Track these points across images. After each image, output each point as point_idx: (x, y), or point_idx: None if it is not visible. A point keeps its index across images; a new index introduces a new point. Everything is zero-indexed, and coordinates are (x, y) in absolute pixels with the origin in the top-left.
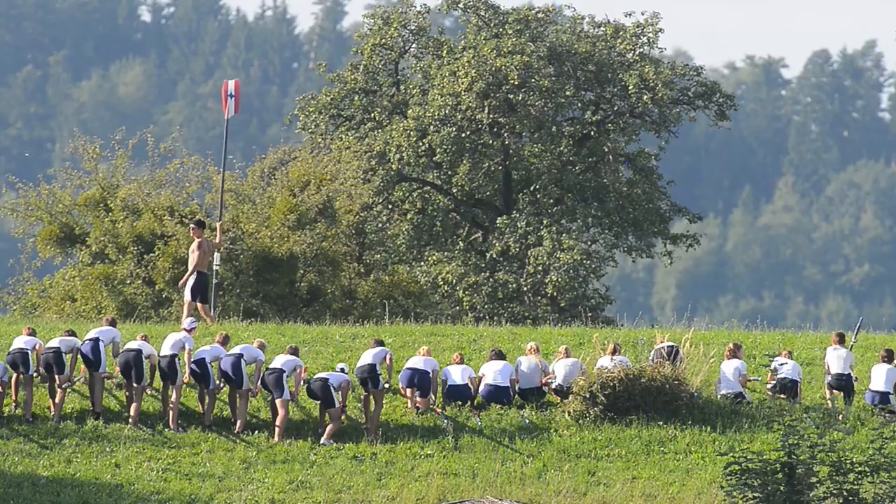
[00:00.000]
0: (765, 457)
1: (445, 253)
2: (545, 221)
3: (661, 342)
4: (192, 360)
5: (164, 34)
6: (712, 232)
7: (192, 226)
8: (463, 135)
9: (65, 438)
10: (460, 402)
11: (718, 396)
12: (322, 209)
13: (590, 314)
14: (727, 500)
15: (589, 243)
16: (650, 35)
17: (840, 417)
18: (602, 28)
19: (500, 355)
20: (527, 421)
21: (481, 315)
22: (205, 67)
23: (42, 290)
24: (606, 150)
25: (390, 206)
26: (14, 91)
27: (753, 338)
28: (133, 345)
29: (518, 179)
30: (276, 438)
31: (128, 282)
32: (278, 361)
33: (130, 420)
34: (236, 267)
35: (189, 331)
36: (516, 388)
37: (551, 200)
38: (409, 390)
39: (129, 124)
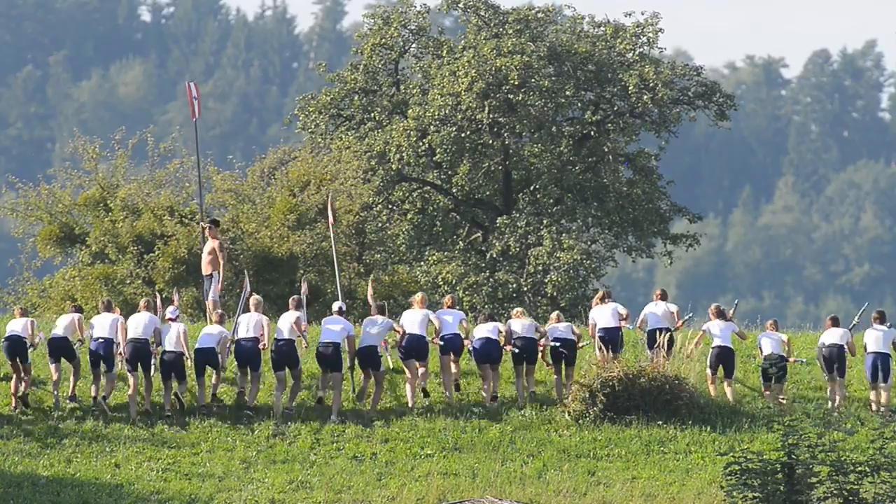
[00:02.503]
0: (765, 457)
1: (445, 253)
2: (545, 221)
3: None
4: (199, 346)
5: (164, 34)
6: (712, 232)
7: (208, 226)
8: (463, 135)
9: (65, 438)
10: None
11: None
12: (322, 209)
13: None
14: (727, 500)
15: (589, 243)
16: (650, 35)
17: (837, 403)
18: (602, 28)
19: (491, 318)
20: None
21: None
22: (205, 67)
23: (42, 290)
24: (606, 150)
25: (390, 206)
26: (14, 91)
27: (753, 338)
28: (139, 333)
29: (518, 179)
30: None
31: (128, 282)
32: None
33: (137, 410)
34: (236, 267)
35: (173, 319)
36: (505, 345)
37: (551, 200)
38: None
39: (129, 124)
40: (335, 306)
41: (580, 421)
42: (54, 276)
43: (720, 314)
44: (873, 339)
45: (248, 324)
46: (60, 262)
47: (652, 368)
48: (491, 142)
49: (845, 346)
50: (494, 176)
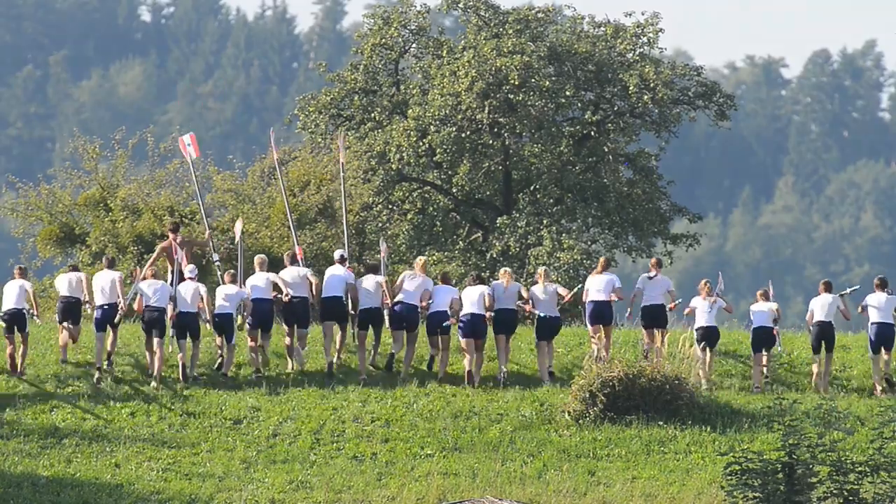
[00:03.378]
0: (765, 457)
1: (445, 253)
2: (545, 221)
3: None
4: (218, 312)
5: (164, 34)
6: (712, 232)
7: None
8: (463, 135)
9: (65, 438)
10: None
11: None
12: (322, 209)
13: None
14: (727, 500)
15: (589, 243)
16: (650, 35)
17: (824, 383)
18: (602, 28)
19: (479, 280)
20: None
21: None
22: (205, 67)
23: (42, 290)
24: (606, 150)
25: (390, 206)
26: (14, 91)
27: (745, 339)
28: (155, 301)
29: (518, 179)
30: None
31: (128, 282)
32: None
33: (154, 378)
34: (236, 267)
35: (192, 278)
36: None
37: (551, 200)
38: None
39: (129, 124)
40: (337, 254)
41: (580, 421)
42: (54, 276)
43: (709, 292)
44: (876, 308)
45: (294, 277)
46: (60, 262)
47: (652, 368)
48: (491, 142)
49: (833, 322)
50: (494, 176)
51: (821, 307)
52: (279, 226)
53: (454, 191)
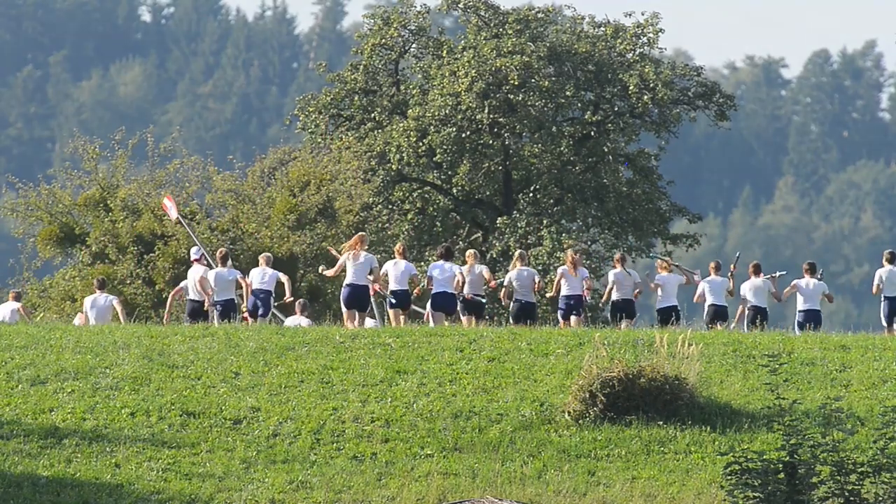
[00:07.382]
0: (766, 457)
1: None
2: (545, 221)
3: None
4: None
5: (164, 34)
6: (712, 232)
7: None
8: (463, 135)
9: (65, 438)
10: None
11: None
12: (322, 209)
13: (590, 314)
14: (727, 500)
15: (589, 243)
16: (650, 35)
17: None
18: (602, 28)
19: (448, 254)
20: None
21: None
22: (205, 67)
23: (42, 290)
24: (606, 150)
25: (390, 207)
26: (14, 91)
27: (753, 337)
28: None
29: (518, 179)
30: None
31: (128, 282)
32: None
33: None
34: (236, 267)
35: (197, 259)
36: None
37: (551, 200)
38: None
39: (129, 124)
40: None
41: (580, 421)
42: (54, 276)
43: (670, 269)
44: (803, 292)
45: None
46: (60, 262)
47: (652, 368)
48: (491, 142)
49: (766, 307)
50: (494, 176)
51: (752, 292)
52: (279, 226)
53: (454, 191)
